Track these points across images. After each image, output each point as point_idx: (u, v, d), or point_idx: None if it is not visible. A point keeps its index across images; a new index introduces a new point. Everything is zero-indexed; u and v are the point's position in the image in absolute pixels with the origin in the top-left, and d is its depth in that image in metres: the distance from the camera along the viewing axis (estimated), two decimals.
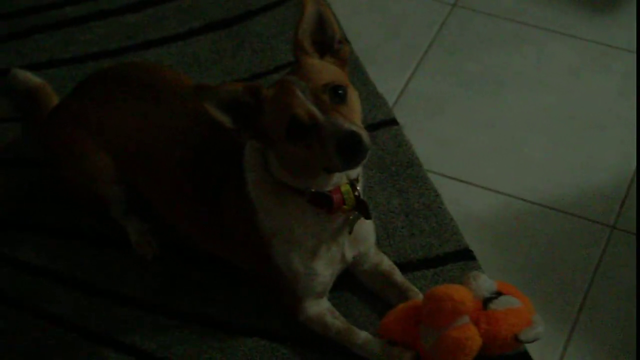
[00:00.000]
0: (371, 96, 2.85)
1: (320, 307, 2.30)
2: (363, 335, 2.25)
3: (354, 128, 1.91)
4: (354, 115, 2.00)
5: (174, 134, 2.33)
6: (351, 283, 2.40)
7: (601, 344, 2.34)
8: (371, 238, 2.35)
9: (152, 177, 2.39)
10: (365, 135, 1.93)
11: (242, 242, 2.27)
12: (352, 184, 2.12)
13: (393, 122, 2.80)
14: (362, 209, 2.15)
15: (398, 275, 2.37)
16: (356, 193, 2.12)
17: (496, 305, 2.14)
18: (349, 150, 1.91)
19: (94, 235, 2.56)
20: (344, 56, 2.09)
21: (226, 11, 3.12)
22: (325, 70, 2.03)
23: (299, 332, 2.31)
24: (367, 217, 2.18)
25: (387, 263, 2.39)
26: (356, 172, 2.14)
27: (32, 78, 2.81)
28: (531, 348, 2.26)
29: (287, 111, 1.96)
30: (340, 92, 1.98)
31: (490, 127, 2.83)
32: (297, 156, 2.00)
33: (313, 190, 2.08)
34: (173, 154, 2.32)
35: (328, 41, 2.08)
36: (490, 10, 3.16)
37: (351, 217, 2.17)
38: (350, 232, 2.20)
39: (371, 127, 2.75)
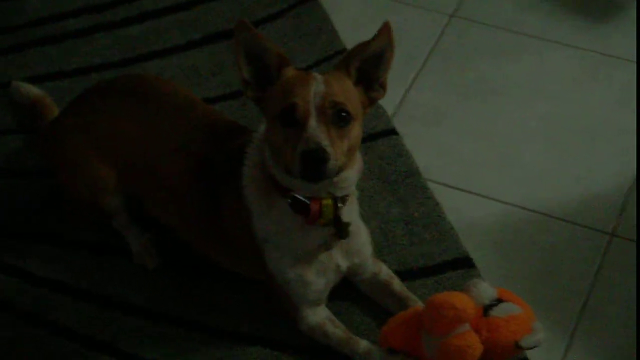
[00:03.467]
0: None
1: (319, 316, 2.31)
2: (364, 344, 2.26)
3: (327, 148, 1.95)
4: (342, 144, 2.01)
5: (175, 144, 2.34)
6: (351, 291, 2.41)
7: (601, 350, 2.34)
8: (366, 250, 2.34)
9: (154, 187, 2.40)
10: (333, 160, 1.96)
11: (240, 248, 2.29)
12: (335, 200, 2.13)
13: (392, 131, 2.81)
14: (338, 227, 2.16)
15: (397, 284, 2.37)
16: (338, 211, 2.13)
17: (497, 312, 2.15)
18: (311, 162, 1.95)
19: (98, 245, 2.57)
20: (375, 98, 2.13)
21: (226, 23, 3.13)
22: (348, 94, 2.05)
23: (302, 340, 2.32)
24: (341, 237, 2.19)
25: (385, 272, 2.40)
26: (342, 191, 2.13)
27: (33, 90, 2.82)
28: (532, 355, 2.26)
29: (292, 97, 2.01)
30: (344, 116, 2.01)
31: (490, 136, 2.84)
32: (275, 138, 2.04)
33: (294, 194, 2.10)
34: (174, 164, 2.34)
35: (371, 76, 2.11)
36: (488, 20, 3.18)
37: (331, 233, 2.18)
38: (328, 249, 2.21)
39: (371, 137, 2.76)
